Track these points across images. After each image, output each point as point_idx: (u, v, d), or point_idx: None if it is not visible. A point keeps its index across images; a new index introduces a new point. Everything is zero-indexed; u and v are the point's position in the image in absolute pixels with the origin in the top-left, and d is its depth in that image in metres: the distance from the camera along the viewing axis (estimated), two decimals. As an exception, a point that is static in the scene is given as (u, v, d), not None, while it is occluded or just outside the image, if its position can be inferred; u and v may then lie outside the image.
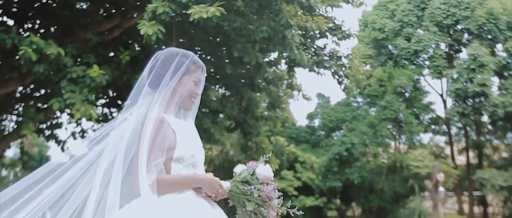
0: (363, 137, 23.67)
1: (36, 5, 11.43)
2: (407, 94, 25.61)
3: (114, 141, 2.54)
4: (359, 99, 27.82)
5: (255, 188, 2.59)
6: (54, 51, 8.14)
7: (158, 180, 2.41)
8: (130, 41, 10.41)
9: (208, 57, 11.26)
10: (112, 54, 10.66)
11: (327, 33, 11.61)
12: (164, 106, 2.58)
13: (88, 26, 10.25)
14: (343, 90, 12.48)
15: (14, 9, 11.62)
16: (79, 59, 9.43)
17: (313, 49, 11.74)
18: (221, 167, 26.14)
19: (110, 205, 2.36)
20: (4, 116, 12.23)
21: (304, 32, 10.92)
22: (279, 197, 2.64)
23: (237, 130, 14.03)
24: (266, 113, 14.66)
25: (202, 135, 12.55)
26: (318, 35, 11.64)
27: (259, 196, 2.59)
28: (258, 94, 12.51)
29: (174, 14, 7.63)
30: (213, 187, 2.52)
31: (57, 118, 12.52)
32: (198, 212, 2.44)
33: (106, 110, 12.61)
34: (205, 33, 10.55)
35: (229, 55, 10.68)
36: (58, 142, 12.53)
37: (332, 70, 12.11)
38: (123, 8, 10.90)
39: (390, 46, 26.84)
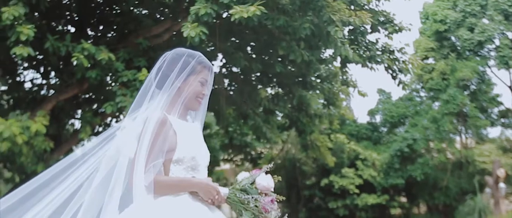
0: (425, 132, 22.98)
1: (98, 10, 11.91)
2: (472, 87, 24.65)
3: (116, 148, 2.54)
4: (422, 93, 27.06)
5: (252, 197, 2.54)
6: (105, 56, 8.44)
7: (154, 181, 2.40)
8: (179, 44, 10.62)
9: (259, 57, 11.29)
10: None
11: (379, 27, 11.42)
12: (167, 107, 2.56)
13: (139, 31, 10.55)
14: (398, 85, 12.15)
15: (76, 18, 12.17)
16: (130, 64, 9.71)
17: (364, 44, 11.54)
18: (282, 166, 26.20)
19: (110, 211, 2.38)
20: (66, 121, 12.79)
21: (353, 27, 10.80)
22: (277, 209, 2.59)
23: (291, 129, 14.03)
24: (323, 110, 14.55)
25: (259, 134, 12.62)
26: (370, 30, 11.47)
27: (256, 206, 2.53)
28: (310, 92, 12.41)
29: (216, 15, 7.71)
30: (209, 192, 2.49)
31: (120, 121, 12.96)
32: (195, 215, 2.43)
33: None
34: (254, 32, 10.61)
35: (279, 54, 10.69)
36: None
37: (386, 65, 11.85)
38: (177, 11, 11.14)
39: (453, 38, 25.91)
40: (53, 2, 10.83)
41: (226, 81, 12.77)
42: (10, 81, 11.94)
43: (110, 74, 9.44)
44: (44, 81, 12.27)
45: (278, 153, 25.59)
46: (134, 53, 9.69)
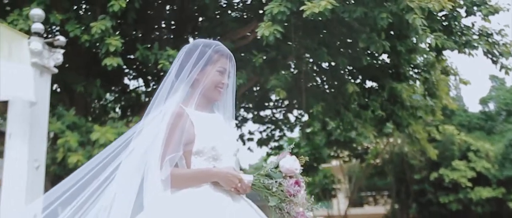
0: (544, 119, 21.26)
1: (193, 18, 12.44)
2: None
3: (134, 150, 2.51)
4: (543, 77, 25.02)
5: (276, 181, 2.41)
6: (189, 61, 8.76)
7: (173, 174, 2.37)
8: (261, 44, 10.79)
9: (344, 51, 11.13)
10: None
11: (474, 10, 10.82)
12: (184, 99, 2.53)
13: (226, 34, 10.84)
14: (500, 69, 11.39)
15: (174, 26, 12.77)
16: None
17: (458, 29, 10.98)
18: (390, 161, 25.52)
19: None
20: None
21: (446, 13, 10.36)
22: (305, 191, 2.44)
23: (388, 122, 13.61)
24: (421, 101, 13.99)
25: (353, 129, 12.36)
26: (465, 14, 10.91)
27: (282, 190, 2.40)
28: (403, 83, 12.00)
29: (290, 13, 7.74)
30: (230, 181, 2.40)
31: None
32: (213, 207, 2.34)
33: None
34: (336, 26, 10.48)
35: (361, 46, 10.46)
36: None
37: (484, 50, 11.18)
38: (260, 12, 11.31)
39: None
40: (151, 12, 11.49)
41: (318, 78, 12.73)
42: (119, 90, 12.78)
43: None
44: (149, 89, 13.01)
45: (384, 147, 24.92)
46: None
